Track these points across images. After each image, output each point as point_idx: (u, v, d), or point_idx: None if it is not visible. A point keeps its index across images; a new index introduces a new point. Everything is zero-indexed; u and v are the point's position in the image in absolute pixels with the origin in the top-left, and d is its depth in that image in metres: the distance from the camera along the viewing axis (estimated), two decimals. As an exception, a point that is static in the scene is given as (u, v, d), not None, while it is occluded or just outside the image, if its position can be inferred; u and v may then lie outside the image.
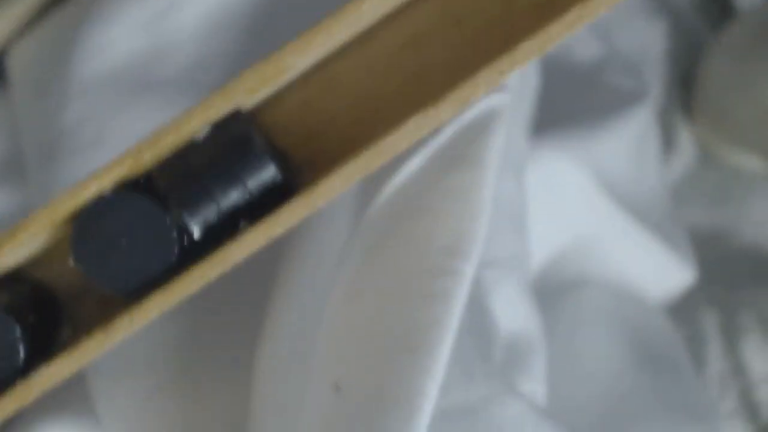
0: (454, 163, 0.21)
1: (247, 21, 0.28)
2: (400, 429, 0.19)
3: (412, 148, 0.20)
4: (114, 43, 0.29)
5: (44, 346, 0.21)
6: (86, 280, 0.20)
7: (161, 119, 0.23)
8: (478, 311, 0.23)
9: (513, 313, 0.25)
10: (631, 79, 0.33)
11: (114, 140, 0.28)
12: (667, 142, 0.40)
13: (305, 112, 0.19)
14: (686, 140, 0.40)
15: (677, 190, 0.41)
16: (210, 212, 0.19)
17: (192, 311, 0.22)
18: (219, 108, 0.19)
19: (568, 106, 0.32)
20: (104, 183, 0.19)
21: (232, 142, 0.19)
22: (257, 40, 0.28)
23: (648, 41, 0.40)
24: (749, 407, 0.34)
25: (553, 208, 0.30)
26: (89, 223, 0.20)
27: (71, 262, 0.20)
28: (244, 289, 0.24)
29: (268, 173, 0.19)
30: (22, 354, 0.20)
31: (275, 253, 0.22)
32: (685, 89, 0.40)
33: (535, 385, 0.23)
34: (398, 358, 0.20)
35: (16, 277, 0.21)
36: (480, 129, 0.21)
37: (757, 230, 0.41)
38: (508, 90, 0.24)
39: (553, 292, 0.31)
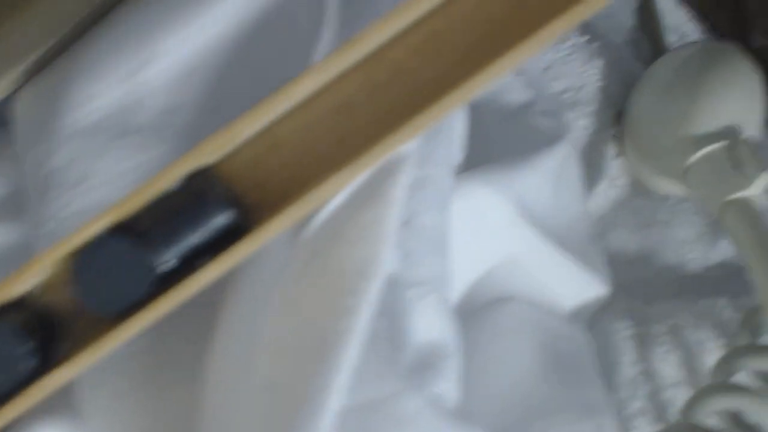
0: (367, 200, 0.26)
1: (214, 71, 0.33)
2: (309, 420, 0.24)
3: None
4: (97, 95, 0.33)
5: (47, 359, 0.26)
6: (82, 305, 0.25)
7: (139, 160, 0.28)
8: (395, 323, 0.28)
9: (429, 325, 0.29)
10: (553, 120, 0.38)
11: (97, 179, 0.32)
12: (600, 172, 0.45)
13: (255, 165, 0.24)
14: (618, 170, 0.45)
15: (609, 215, 0.45)
16: (180, 249, 0.24)
17: (160, 327, 0.27)
18: (186, 166, 0.24)
19: (497, 145, 0.36)
20: (97, 227, 0.24)
21: (197, 193, 0.24)
22: (223, 87, 0.32)
23: (584, 80, 0.45)
24: (657, 407, 0.39)
25: (480, 235, 0.35)
26: (85, 260, 0.25)
27: (71, 291, 0.25)
28: (201, 307, 0.29)
29: (225, 217, 0.24)
30: (32, 364, 0.25)
31: (226, 276, 0.27)
32: (617, 123, 0.45)
33: (446, 386, 0.28)
34: (313, 363, 0.25)
35: (26, 301, 0.26)
36: (388, 171, 0.26)
37: (679, 250, 0.45)
38: (429, 138, 0.29)
39: (480, 307, 0.35)
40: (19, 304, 0.26)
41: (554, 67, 0.44)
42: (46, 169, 0.33)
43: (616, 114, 0.45)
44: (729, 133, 0.40)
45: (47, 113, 0.34)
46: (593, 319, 0.39)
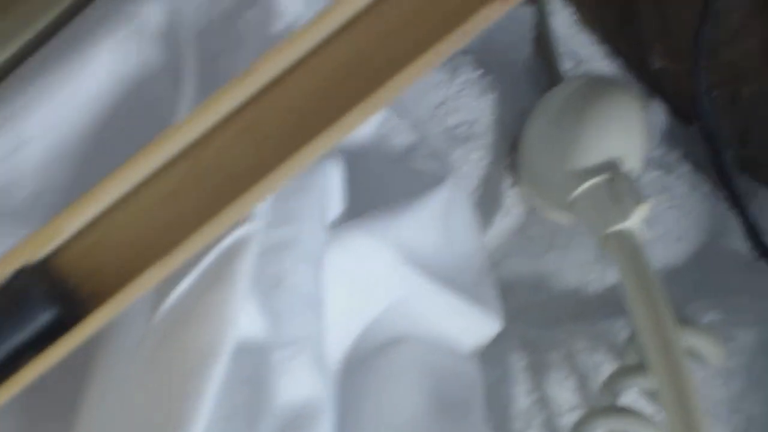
0: (213, 281, 0.28)
1: (80, 155, 0.34)
2: None
3: (188, 266, 0.27)
4: None
5: None
6: None
7: (7, 245, 0.30)
8: (259, 391, 0.29)
9: (299, 385, 0.31)
10: (437, 161, 0.40)
11: None
12: (497, 202, 0.47)
13: (88, 256, 0.26)
14: (514, 199, 0.46)
15: (508, 243, 0.47)
16: (3, 350, 0.26)
17: (26, 405, 0.29)
18: (13, 262, 0.25)
19: (382, 190, 0.38)
20: None
21: (21, 292, 0.25)
22: (89, 169, 0.34)
23: (478, 113, 0.46)
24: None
25: (365, 283, 0.36)
26: None
27: None
28: (66, 384, 0.30)
29: (49, 315, 0.25)
30: None
31: (89, 352, 0.29)
32: (512, 154, 0.46)
33: None
34: None
35: None
36: (233, 252, 0.28)
37: (579, 273, 0.47)
38: (299, 196, 0.31)
39: (372, 352, 0.37)
40: None
41: (447, 102, 0.46)
42: None
43: (511, 144, 0.47)
44: (610, 167, 0.42)
45: None
46: (488, 352, 0.41)
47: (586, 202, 0.41)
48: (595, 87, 0.44)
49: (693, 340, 0.39)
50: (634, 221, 0.40)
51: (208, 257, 0.28)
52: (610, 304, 0.44)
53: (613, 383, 0.39)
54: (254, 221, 0.28)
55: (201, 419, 0.26)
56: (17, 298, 0.26)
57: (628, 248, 0.39)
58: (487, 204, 0.45)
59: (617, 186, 0.41)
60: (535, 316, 0.43)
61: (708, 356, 0.40)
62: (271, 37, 0.32)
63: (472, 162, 0.44)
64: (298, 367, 0.31)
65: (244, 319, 0.30)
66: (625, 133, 0.42)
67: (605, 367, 0.42)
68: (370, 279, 0.36)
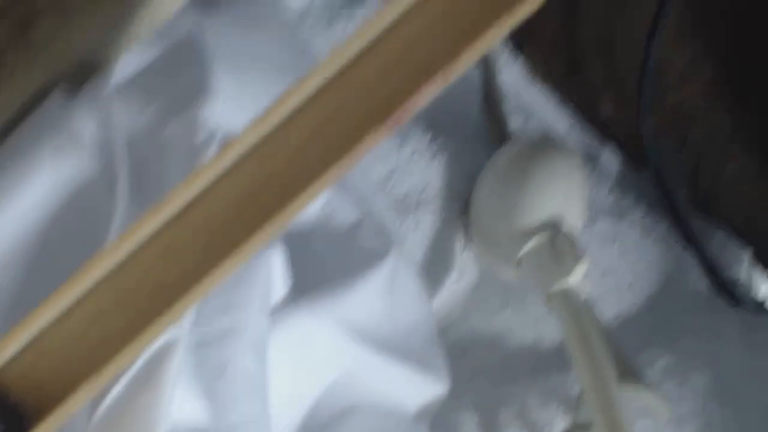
0: (142, 385, 0.30)
1: (22, 265, 0.36)
2: None
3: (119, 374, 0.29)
4: None
5: None
6: None
7: None
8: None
9: None
10: (380, 237, 0.42)
11: None
12: (450, 264, 0.48)
13: (30, 372, 0.28)
14: (468, 259, 0.48)
15: (462, 304, 0.49)
16: None
17: None
18: None
19: (325, 270, 0.40)
20: None
21: None
22: (32, 278, 0.36)
23: (428, 178, 0.48)
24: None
25: (310, 360, 0.38)
26: None
27: None
28: None
29: None
30: None
31: None
32: (464, 215, 0.48)
33: None
34: None
35: None
36: (160, 358, 0.30)
37: (534, 329, 0.49)
38: (241, 285, 0.33)
39: (325, 423, 0.39)
40: None
41: (397, 171, 0.48)
42: None
43: (462, 205, 0.48)
44: (550, 226, 0.44)
45: None
46: (440, 414, 0.42)
47: (530, 260, 0.43)
48: (538, 148, 0.46)
49: (637, 396, 0.41)
50: (575, 279, 0.41)
51: (137, 363, 0.30)
52: (565, 357, 0.45)
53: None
54: (179, 326, 0.30)
55: None
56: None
57: (570, 305, 0.41)
58: (439, 267, 0.47)
59: (558, 244, 0.42)
60: (490, 374, 0.45)
61: (654, 411, 0.42)
62: (193, 146, 0.34)
63: (424, 227, 0.46)
64: None
65: (188, 409, 0.32)
66: (565, 193, 0.44)
67: (557, 422, 0.43)
68: (315, 356, 0.37)
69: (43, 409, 0.27)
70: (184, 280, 0.27)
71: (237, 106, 0.34)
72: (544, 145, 0.46)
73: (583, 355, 0.39)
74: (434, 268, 0.46)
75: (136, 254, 0.27)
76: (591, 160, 0.53)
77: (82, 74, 0.37)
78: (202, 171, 0.27)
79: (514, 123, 0.51)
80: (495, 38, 0.25)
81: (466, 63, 0.25)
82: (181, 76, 0.35)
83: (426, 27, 0.26)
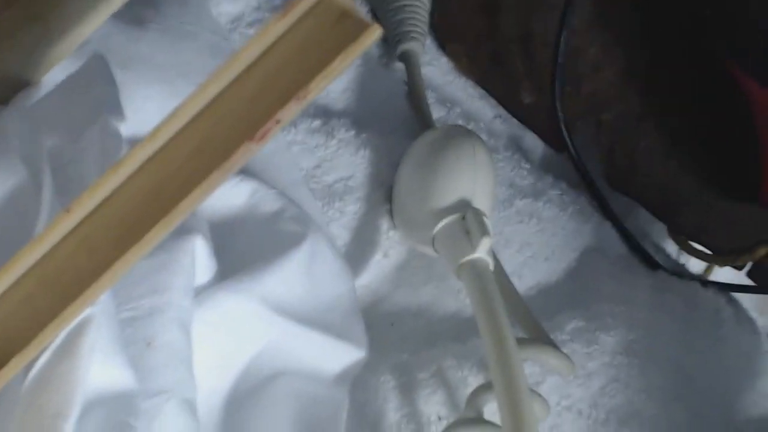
0: (62, 355, 0.35)
1: None
2: None
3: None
4: None
5: None
6: None
7: None
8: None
9: (170, 428, 0.38)
10: (300, 223, 0.47)
11: None
12: (375, 246, 0.53)
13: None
14: (392, 241, 0.53)
15: (390, 280, 0.54)
16: None
17: None
18: None
19: (249, 254, 0.45)
20: None
21: None
22: None
23: (354, 169, 0.53)
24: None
25: (235, 333, 0.43)
26: None
27: None
28: None
29: None
30: None
31: None
32: (388, 200, 0.53)
33: None
34: None
35: None
36: (78, 331, 0.35)
37: (455, 299, 0.54)
38: (168, 270, 0.38)
39: (249, 391, 0.44)
40: None
41: (324, 163, 0.53)
42: None
43: (387, 192, 0.54)
44: (461, 206, 0.49)
45: None
46: (359, 380, 0.48)
47: (443, 237, 0.48)
48: (449, 135, 0.51)
49: (543, 355, 0.46)
50: (482, 251, 0.46)
51: (59, 337, 0.35)
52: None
53: (476, 398, 0.46)
54: (95, 306, 0.35)
55: None
56: None
57: (475, 276, 0.46)
58: (366, 248, 0.51)
59: (468, 223, 0.47)
60: (414, 342, 0.50)
61: (559, 368, 0.47)
62: (107, 150, 0.39)
63: (350, 212, 0.51)
64: (170, 411, 0.38)
65: (118, 376, 0.37)
66: (474, 175, 0.49)
67: (471, 381, 0.48)
68: (240, 330, 0.43)
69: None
70: (99, 267, 0.33)
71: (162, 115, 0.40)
72: (455, 131, 0.51)
73: (486, 320, 0.44)
74: (361, 249, 0.51)
75: (58, 246, 0.33)
76: (513, 145, 0.58)
77: (11, 89, 0.42)
78: (109, 173, 0.32)
79: (438, 114, 0.56)
80: (344, 65, 0.30)
81: (319, 87, 0.30)
82: (96, 88, 0.41)
83: (286, 58, 0.31)
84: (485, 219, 0.47)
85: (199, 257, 0.41)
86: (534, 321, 0.47)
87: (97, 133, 0.39)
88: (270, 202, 0.46)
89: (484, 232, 0.46)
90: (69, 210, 0.32)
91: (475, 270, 0.46)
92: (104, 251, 0.32)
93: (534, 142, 0.60)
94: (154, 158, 0.32)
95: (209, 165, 0.31)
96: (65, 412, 0.33)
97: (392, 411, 0.47)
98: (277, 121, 0.31)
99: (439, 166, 0.49)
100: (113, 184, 0.33)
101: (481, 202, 0.48)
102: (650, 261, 0.57)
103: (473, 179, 0.49)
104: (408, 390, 0.47)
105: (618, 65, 0.58)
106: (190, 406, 0.39)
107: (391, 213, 0.52)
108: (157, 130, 0.32)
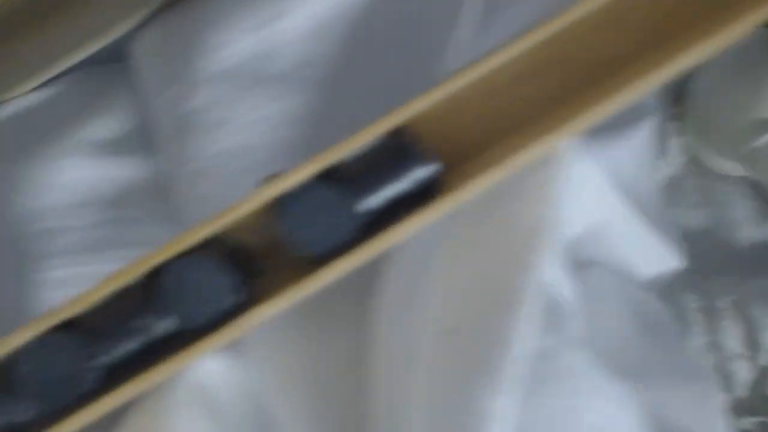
0: (535, 162, 0.28)
1: (347, 25, 0.34)
2: (497, 365, 0.26)
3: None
4: (230, 42, 0.34)
5: (247, 295, 0.27)
6: (284, 246, 0.27)
7: (275, 108, 0.30)
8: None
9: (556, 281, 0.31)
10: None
11: (236, 123, 0.34)
12: (661, 150, 0.47)
13: (442, 125, 0.26)
14: (676, 149, 0.47)
15: (667, 192, 0.48)
16: (384, 197, 0.26)
17: None
18: (387, 124, 0.25)
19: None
20: (304, 173, 0.26)
21: (399, 147, 0.26)
22: (356, 41, 0.34)
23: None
24: (723, 378, 0.41)
25: (576, 201, 0.37)
26: (293, 204, 0.26)
27: (271, 232, 0.26)
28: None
29: (426, 170, 0.25)
30: (237, 299, 0.27)
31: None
32: (677, 104, 0.47)
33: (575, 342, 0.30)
34: (495, 312, 0.27)
35: (223, 240, 0.27)
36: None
37: (735, 228, 0.48)
38: None
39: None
40: (218, 242, 0.27)
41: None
42: (183, 110, 0.33)
43: (675, 95, 0.47)
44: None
45: (178, 55, 0.35)
46: (665, 290, 0.41)
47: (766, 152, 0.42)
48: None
49: None
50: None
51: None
52: (761, 262, 0.44)
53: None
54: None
55: (536, 291, 0.26)
56: (397, 153, 0.26)
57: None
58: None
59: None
60: (696, 264, 0.44)
61: None
62: None
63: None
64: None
65: None
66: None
67: (765, 322, 0.42)
68: (581, 198, 0.36)
69: (452, 163, 0.25)
70: (627, 57, 0.25)
71: None
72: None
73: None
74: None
75: (571, 26, 0.25)
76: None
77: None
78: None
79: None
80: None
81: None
82: None
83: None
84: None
85: None
86: None
87: None
88: None
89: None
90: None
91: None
92: (644, 34, 0.25)
93: None
94: None
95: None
96: (546, 228, 0.27)
97: (696, 335, 0.42)
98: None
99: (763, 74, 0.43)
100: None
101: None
102: None
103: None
104: (710, 316, 0.42)
105: None
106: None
107: (678, 119, 0.45)
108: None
